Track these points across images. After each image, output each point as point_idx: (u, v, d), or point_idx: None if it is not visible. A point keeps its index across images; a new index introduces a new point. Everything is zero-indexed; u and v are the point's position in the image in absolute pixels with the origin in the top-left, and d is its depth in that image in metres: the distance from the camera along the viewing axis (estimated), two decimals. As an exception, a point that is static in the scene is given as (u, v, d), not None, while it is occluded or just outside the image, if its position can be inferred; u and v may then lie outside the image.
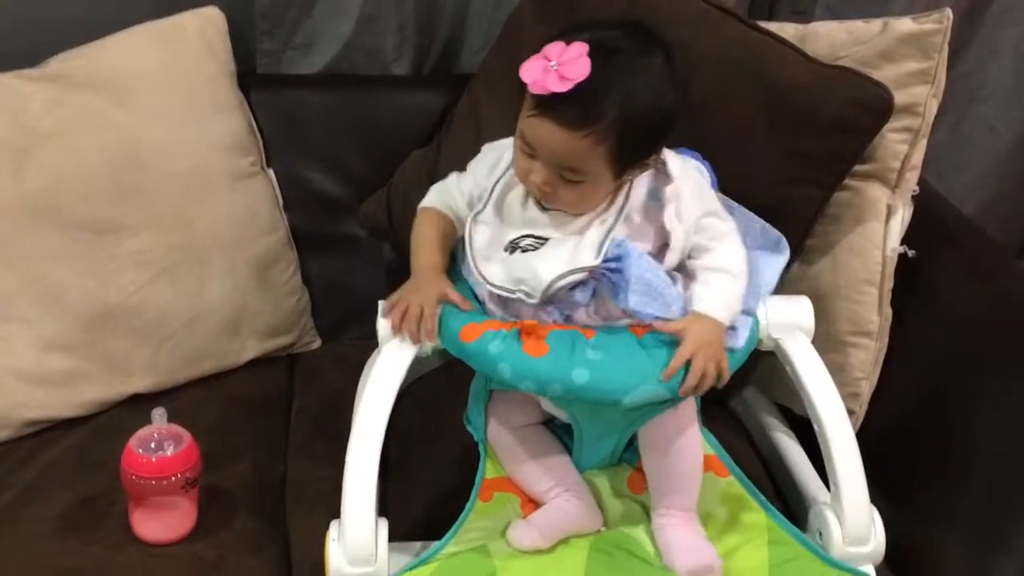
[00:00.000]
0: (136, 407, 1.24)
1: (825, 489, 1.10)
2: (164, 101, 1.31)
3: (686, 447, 1.04)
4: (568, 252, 0.96)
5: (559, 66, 0.90)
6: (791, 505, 1.16)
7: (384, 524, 0.98)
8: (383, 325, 1.02)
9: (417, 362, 1.02)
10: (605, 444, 1.04)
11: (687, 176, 1.01)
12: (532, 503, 1.04)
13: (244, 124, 1.37)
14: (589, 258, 0.95)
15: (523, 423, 1.05)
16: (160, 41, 1.32)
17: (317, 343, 1.42)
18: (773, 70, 1.12)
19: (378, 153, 1.46)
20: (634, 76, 0.92)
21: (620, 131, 0.92)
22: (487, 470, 1.04)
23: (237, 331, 1.33)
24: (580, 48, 0.90)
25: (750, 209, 1.10)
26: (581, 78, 0.89)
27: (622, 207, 0.98)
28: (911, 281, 1.18)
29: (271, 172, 1.41)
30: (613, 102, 0.91)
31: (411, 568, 0.98)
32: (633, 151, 0.95)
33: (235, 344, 1.33)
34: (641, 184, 1.00)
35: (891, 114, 1.09)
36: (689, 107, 1.14)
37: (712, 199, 1.04)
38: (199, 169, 1.31)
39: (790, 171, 1.12)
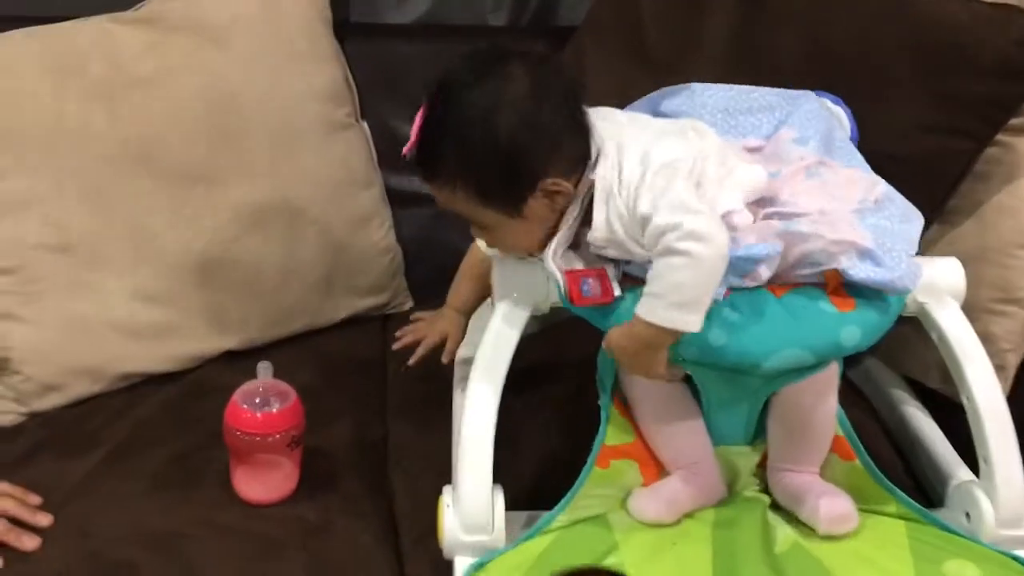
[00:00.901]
0: (230, 364, 1.20)
1: (966, 467, 1.02)
2: (261, 47, 1.26)
3: (821, 418, 0.97)
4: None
5: (416, 122, 0.89)
6: (924, 486, 1.08)
7: (500, 492, 0.92)
8: (498, 281, 0.96)
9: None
10: (736, 412, 0.97)
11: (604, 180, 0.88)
12: (654, 468, 0.97)
13: (340, 73, 1.32)
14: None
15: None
16: (256, -15, 1.27)
17: (410, 304, 1.37)
18: (924, 5, 1.04)
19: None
20: (461, 116, 0.85)
21: (469, 176, 0.86)
22: (607, 436, 0.97)
23: (331, 289, 1.28)
24: (427, 98, 0.88)
25: (891, 163, 1.01)
26: (417, 132, 0.88)
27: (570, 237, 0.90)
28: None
29: (365, 125, 1.36)
30: (447, 150, 0.86)
31: (528, 537, 0.92)
32: (503, 190, 0.87)
33: (329, 302, 1.29)
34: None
35: (1063, 58, 1.00)
36: (825, 49, 1.07)
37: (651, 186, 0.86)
38: (295, 119, 1.26)
39: (940, 120, 1.03)
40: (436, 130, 0.87)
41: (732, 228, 0.87)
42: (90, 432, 1.10)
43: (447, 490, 0.92)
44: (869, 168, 0.96)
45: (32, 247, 1.14)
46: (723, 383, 0.95)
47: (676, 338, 0.86)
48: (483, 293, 1.07)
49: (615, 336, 0.88)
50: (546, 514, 0.94)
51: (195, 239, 1.19)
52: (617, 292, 0.89)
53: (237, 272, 1.21)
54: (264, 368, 0.99)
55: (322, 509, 1.01)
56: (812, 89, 1.03)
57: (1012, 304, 1.08)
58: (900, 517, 0.96)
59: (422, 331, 1.13)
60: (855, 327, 0.89)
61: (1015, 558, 0.92)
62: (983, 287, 1.08)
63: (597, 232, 0.88)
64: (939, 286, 0.97)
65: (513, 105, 0.85)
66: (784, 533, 0.94)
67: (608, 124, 0.91)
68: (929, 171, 1.02)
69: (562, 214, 0.90)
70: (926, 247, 1.10)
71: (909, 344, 1.12)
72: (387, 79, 1.40)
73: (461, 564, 0.90)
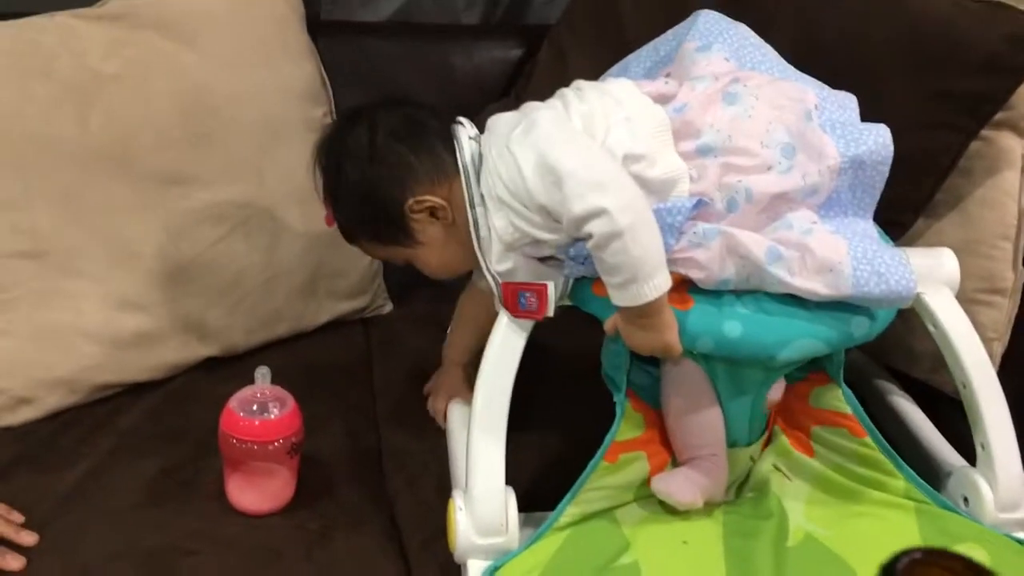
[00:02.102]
0: (211, 371, 1.17)
1: (958, 455, 1.04)
2: (234, 43, 1.22)
3: None
4: None
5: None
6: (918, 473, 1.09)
7: (512, 493, 0.90)
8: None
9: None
10: (742, 407, 0.96)
11: (491, 174, 0.90)
12: (661, 460, 0.97)
13: (315, 71, 1.29)
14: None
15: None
16: (226, -20, 1.23)
17: (389, 307, 1.35)
18: (913, 3, 1.05)
19: (448, 105, 1.36)
20: (328, 183, 0.96)
21: (359, 228, 0.97)
22: (620, 432, 0.96)
23: (314, 292, 1.25)
24: None
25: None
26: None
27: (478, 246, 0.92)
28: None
29: (340, 124, 1.33)
30: (338, 215, 0.97)
31: (540, 536, 0.91)
32: (385, 226, 0.95)
33: (311, 306, 1.25)
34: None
35: (1050, 52, 1.02)
36: (819, 47, 1.08)
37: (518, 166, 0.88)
38: (272, 118, 1.23)
39: (930, 116, 1.05)
40: (330, 196, 0.97)
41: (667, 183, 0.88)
42: (70, 445, 1.05)
43: (457, 493, 0.90)
44: (791, 70, 0.96)
45: (2, 255, 1.08)
46: (730, 377, 0.95)
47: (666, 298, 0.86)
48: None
49: (617, 325, 0.89)
50: (554, 511, 0.92)
51: (173, 243, 1.15)
52: (550, 312, 0.89)
53: (218, 276, 1.17)
54: (262, 374, 0.95)
55: (322, 517, 0.98)
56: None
57: (997, 294, 1.11)
58: (907, 496, 0.98)
59: (432, 395, 1.12)
60: (864, 317, 0.91)
61: (1019, 541, 0.94)
62: (968, 278, 1.09)
63: (505, 237, 0.90)
64: (935, 276, 0.99)
65: (352, 153, 0.94)
66: (795, 524, 0.94)
67: (488, 132, 0.94)
68: (919, 167, 1.03)
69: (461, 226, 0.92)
70: (911, 241, 1.12)
71: (894, 335, 1.13)
72: (360, 77, 1.37)
73: (475, 568, 0.88)
